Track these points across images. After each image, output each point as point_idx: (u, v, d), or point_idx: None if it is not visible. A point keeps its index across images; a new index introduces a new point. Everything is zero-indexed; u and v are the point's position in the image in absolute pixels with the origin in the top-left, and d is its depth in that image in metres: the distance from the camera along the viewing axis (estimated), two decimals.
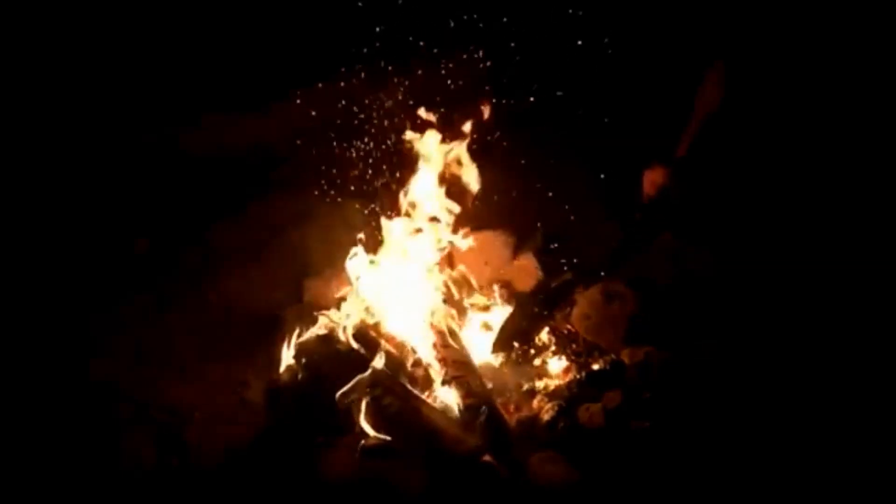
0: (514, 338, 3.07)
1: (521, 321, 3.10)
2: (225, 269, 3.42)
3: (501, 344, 3.05)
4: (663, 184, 2.90)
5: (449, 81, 3.80)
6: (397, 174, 3.28)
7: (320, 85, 4.08)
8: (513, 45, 3.76)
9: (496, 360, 3.03)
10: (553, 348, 3.05)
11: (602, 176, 3.61)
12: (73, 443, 2.62)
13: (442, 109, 3.58)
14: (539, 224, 3.59)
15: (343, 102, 3.89)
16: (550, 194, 3.64)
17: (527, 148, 3.77)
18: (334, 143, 3.81)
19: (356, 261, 3.05)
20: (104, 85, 4.35)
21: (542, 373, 2.95)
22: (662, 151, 2.93)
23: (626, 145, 3.35)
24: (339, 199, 3.66)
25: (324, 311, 2.96)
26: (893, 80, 2.82)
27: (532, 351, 3.07)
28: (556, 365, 2.98)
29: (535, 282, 3.34)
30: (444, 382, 2.69)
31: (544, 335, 3.12)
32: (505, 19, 3.77)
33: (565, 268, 3.32)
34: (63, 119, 4.16)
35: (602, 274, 3.19)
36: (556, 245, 3.53)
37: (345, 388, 2.59)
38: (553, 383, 2.89)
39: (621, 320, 2.99)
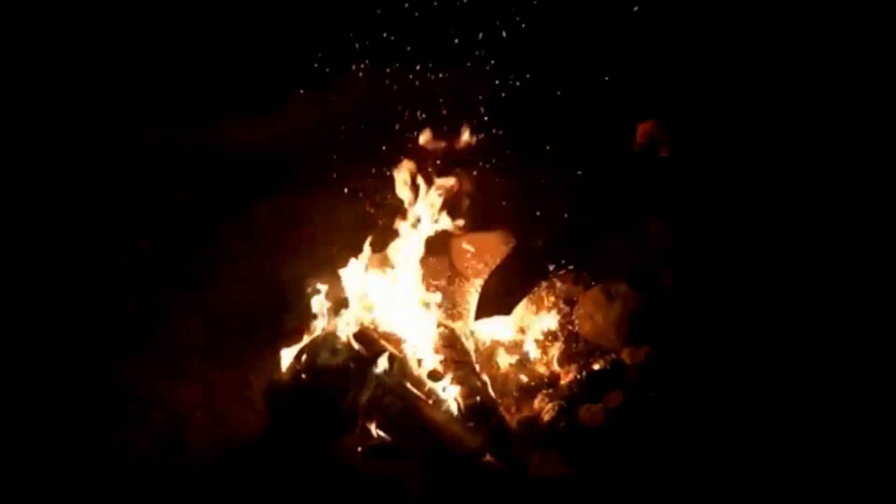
0: (498, 304, 3.01)
1: (502, 285, 3.03)
2: (227, 269, 3.42)
3: (483, 309, 2.98)
4: (653, 133, 2.93)
5: (451, 80, 3.81)
6: (400, 175, 3.27)
7: (324, 85, 4.07)
8: (511, 43, 3.75)
9: (479, 328, 3.00)
10: (554, 348, 3.05)
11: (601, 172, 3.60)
12: (74, 443, 2.61)
13: (443, 109, 3.60)
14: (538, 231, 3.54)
15: (347, 104, 3.89)
16: (549, 193, 3.64)
17: (526, 147, 3.76)
18: (338, 145, 3.81)
19: (358, 263, 3.05)
20: (108, 84, 4.35)
21: (543, 372, 2.95)
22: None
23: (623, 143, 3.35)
24: (342, 200, 3.66)
25: (325, 312, 2.97)
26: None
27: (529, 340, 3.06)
28: (558, 365, 2.98)
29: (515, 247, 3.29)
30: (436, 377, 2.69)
31: (543, 333, 3.12)
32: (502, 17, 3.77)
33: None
34: (67, 119, 4.15)
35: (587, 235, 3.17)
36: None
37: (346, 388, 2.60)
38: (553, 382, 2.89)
39: (622, 320, 3.00)
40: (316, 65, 3.99)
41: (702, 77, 2.90)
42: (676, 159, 3.00)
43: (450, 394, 2.65)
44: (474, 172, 3.49)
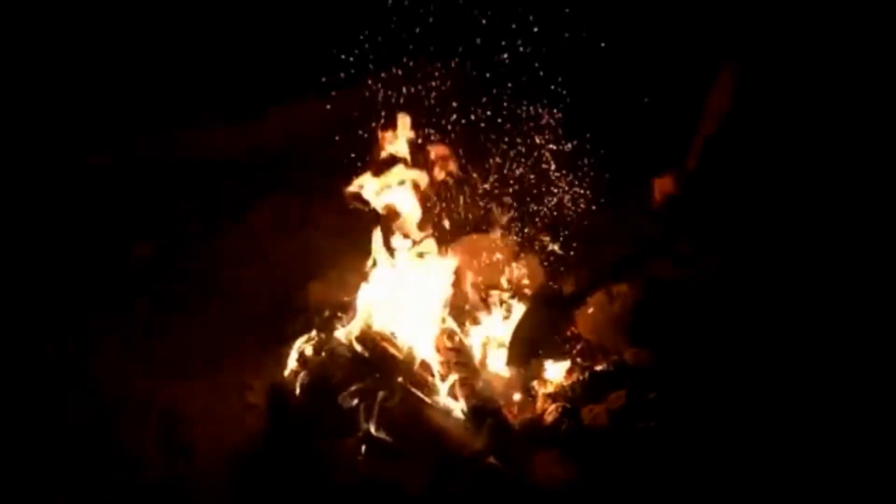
0: (528, 348, 2.98)
1: (533, 329, 3.00)
2: (228, 272, 3.43)
3: (517, 356, 2.94)
4: (672, 192, 2.88)
5: (452, 82, 3.81)
6: (402, 178, 3.28)
7: (327, 89, 4.09)
8: (521, 47, 3.76)
9: (507, 368, 2.99)
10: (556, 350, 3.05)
11: (608, 177, 3.62)
12: (77, 445, 2.63)
13: (442, 109, 3.60)
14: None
15: (349, 107, 3.90)
16: (555, 196, 3.65)
17: (530, 149, 3.77)
18: (339, 146, 3.81)
19: (359, 265, 3.06)
20: (108, 87, 4.37)
21: (546, 374, 2.95)
22: (672, 157, 2.90)
23: (634, 147, 3.34)
24: (343, 203, 3.66)
25: (328, 315, 2.97)
26: None
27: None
28: (560, 366, 2.98)
29: (541, 287, 3.29)
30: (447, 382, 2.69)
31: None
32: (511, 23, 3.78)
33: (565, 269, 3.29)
34: (69, 123, 4.17)
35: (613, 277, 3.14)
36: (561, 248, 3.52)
37: (349, 391, 2.60)
38: (556, 384, 2.89)
39: (625, 321, 2.99)
40: (317, 68, 4.00)
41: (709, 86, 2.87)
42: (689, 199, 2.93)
43: (452, 395, 2.66)
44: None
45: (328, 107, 4.04)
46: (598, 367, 2.87)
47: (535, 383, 2.88)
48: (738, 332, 2.84)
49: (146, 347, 3.06)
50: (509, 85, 3.75)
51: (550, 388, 2.83)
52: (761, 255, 2.97)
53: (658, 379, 2.73)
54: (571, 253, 3.45)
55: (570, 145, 3.69)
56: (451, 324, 3.00)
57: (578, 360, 2.99)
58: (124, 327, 3.18)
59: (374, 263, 3.07)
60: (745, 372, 2.68)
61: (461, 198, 3.42)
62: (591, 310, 3.09)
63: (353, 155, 3.64)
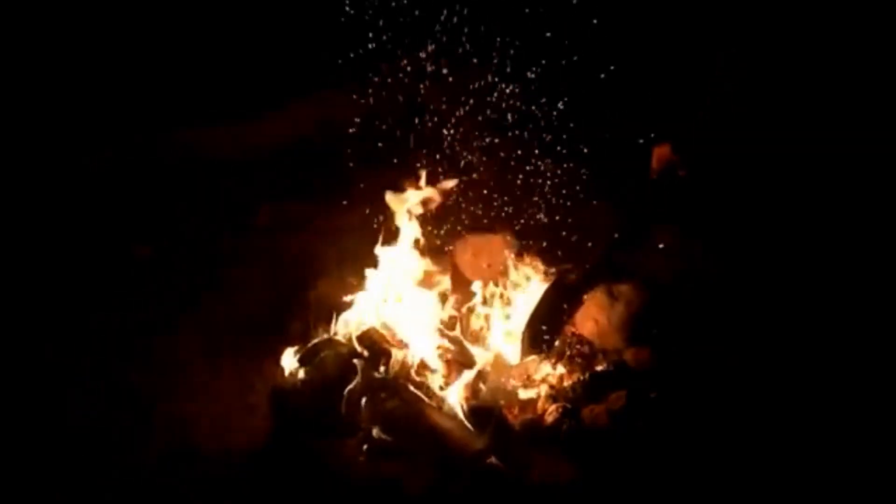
0: (539, 341, 2.93)
1: (544, 322, 2.94)
2: (230, 273, 3.43)
3: (528, 349, 2.90)
4: (670, 159, 2.87)
5: (450, 78, 3.81)
6: (401, 178, 3.28)
7: (327, 90, 4.09)
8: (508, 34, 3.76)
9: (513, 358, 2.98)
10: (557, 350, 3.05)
11: (606, 167, 3.61)
12: (77, 445, 2.63)
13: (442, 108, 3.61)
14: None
15: (349, 107, 3.90)
16: (552, 191, 3.64)
17: (527, 143, 3.77)
18: (341, 148, 3.82)
19: (361, 266, 3.06)
20: (107, 87, 4.37)
21: (546, 374, 2.95)
22: (672, 131, 2.89)
23: (630, 137, 3.33)
24: (343, 204, 3.66)
25: (328, 316, 2.98)
26: None
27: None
28: (561, 366, 2.98)
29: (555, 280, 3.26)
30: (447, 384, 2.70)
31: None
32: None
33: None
34: (69, 123, 4.17)
35: (611, 260, 3.12)
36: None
37: (350, 387, 2.61)
38: (557, 384, 2.89)
39: (626, 321, 2.99)
40: (316, 70, 4.01)
41: (712, 72, 2.85)
42: (693, 177, 2.90)
43: (452, 395, 2.66)
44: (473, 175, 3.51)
45: (328, 107, 4.05)
46: (599, 367, 2.88)
47: (535, 383, 2.88)
48: (738, 332, 2.84)
49: (146, 347, 3.06)
50: (509, 84, 3.75)
51: (551, 388, 2.84)
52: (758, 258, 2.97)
53: (658, 379, 2.73)
54: (568, 249, 3.43)
55: (568, 142, 3.69)
56: (452, 323, 3.01)
57: (579, 360, 2.99)
58: (124, 327, 3.18)
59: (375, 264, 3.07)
60: (745, 372, 2.68)
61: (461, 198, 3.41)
62: (591, 310, 3.09)
63: (352, 154, 3.66)
